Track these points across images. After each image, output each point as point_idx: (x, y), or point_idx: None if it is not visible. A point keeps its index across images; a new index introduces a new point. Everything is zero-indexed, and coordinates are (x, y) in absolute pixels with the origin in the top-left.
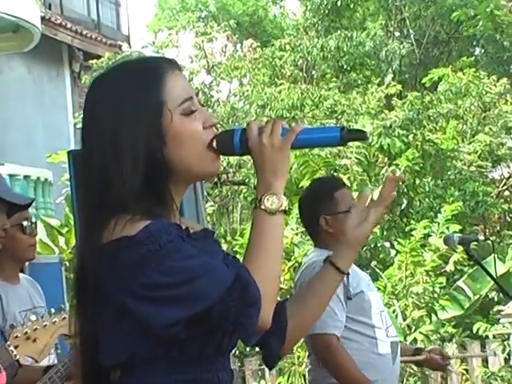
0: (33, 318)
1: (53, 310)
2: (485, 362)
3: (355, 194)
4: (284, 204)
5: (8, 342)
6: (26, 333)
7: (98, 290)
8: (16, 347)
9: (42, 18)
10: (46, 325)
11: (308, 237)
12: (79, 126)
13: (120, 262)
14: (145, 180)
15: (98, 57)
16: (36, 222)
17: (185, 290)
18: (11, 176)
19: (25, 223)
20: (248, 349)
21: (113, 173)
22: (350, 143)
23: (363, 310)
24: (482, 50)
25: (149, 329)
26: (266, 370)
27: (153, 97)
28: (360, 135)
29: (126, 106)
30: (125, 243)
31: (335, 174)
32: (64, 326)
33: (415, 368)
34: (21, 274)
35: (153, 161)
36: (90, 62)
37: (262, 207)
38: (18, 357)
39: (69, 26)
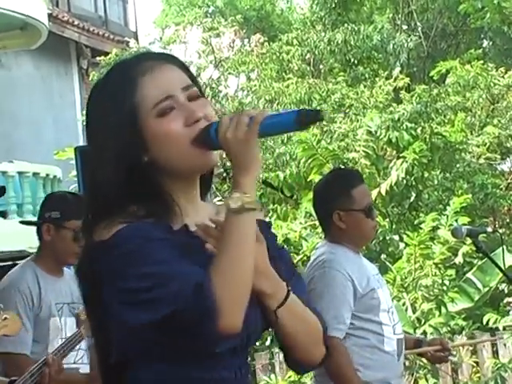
0: None
1: None
2: (495, 353)
3: None
4: (248, 201)
5: None
6: None
7: (91, 291)
8: None
9: (50, 15)
10: None
11: (316, 230)
12: None
13: (97, 266)
14: (132, 182)
15: (106, 53)
16: None
17: (148, 295)
18: (20, 173)
19: (78, 231)
20: (258, 343)
21: (99, 176)
22: (358, 136)
23: (371, 307)
24: (490, 42)
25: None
26: (277, 364)
27: (127, 103)
28: (316, 117)
29: (107, 112)
30: (100, 247)
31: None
32: (6, 326)
33: (425, 360)
34: (67, 270)
35: (137, 165)
36: (98, 58)
37: (227, 207)
38: None
39: (76, 22)
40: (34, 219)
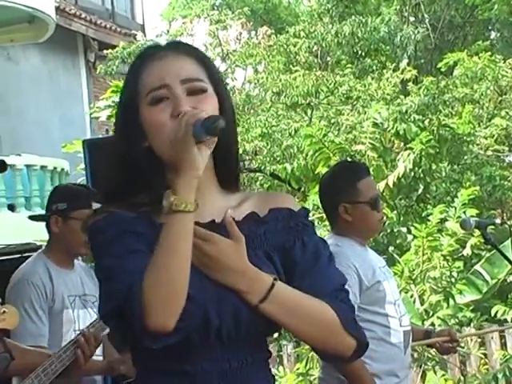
0: None
1: None
2: (504, 345)
3: None
4: (175, 202)
5: None
6: None
7: None
8: None
9: (57, 9)
10: None
11: (324, 222)
12: (95, 115)
13: None
14: (133, 170)
15: (113, 46)
16: None
17: (103, 288)
18: (28, 166)
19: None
20: None
21: (109, 162)
22: (364, 129)
23: (377, 300)
24: (498, 34)
25: None
26: (284, 356)
27: (131, 88)
28: (215, 126)
29: (120, 98)
30: (87, 233)
31: (349, 159)
32: (3, 320)
33: (433, 352)
34: (78, 262)
35: (138, 152)
36: (105, 51)
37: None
38: None
39: (83, 15)
40: (42, 212)
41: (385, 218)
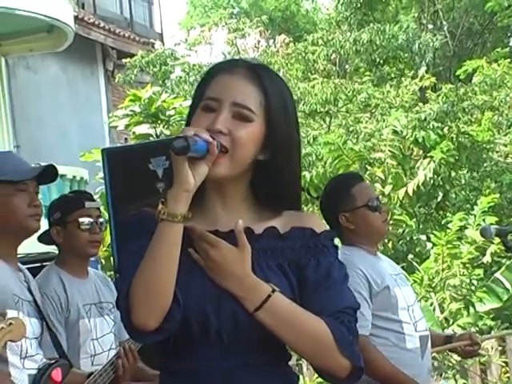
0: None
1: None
2: None
3: (389, 188)
4: (162, 211)
5: None
6: None
7: None
8: None
9: (76, 18)
10: None
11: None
12: (113, 124)
13: None
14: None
15: (132, 55)
16: (103, 221)
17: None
18: None
19: (82, 219)
20: None
21: None
22: (383, 136)
23: (388, 305)
24: None
25: None
26: (304, 365)
27: (199, 91)
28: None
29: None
30: None
31: (369, 167)
32: (10, 332)
33: (454, 361)
34: (93, 270)
35: None
36: (124, 60)
37: None
38: None
39: (102, 24)
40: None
41: (404, 225)
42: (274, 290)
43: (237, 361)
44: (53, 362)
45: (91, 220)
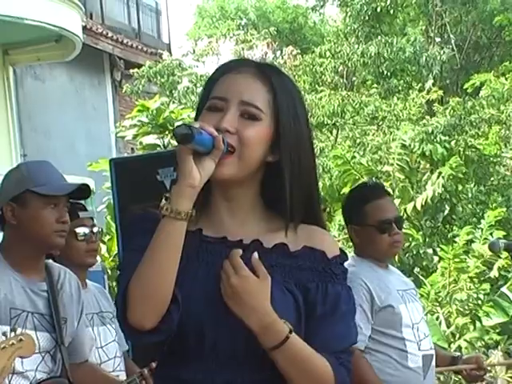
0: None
1: (7, 331)
2: None
3: (397, 201)
4: (165, 207)
5: None
6: None
7: None
8: None
9: (84, 28)
10: (4, 347)
11: (348, 243)
12: (120, 134)
13: None
14: None
15: (139, 65)
16: (98, 230)
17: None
18: None
19: (78, 230)
20: None
21: None
22: (392, 150)
23: (391, 323)
24: None
25: None
26: None
27: (206, 90)
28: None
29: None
30: None
31: (371, 181)
32: (20, 348)
33: (459, 376)
34: (91, 283)
35: None
36: (131, 70)
37: None
38: None
39: (110, 34)
40: None
41: (410, 239)
42: (291, 331)
43: (233, 376)
44: (46, 378)
45: (87, 230)
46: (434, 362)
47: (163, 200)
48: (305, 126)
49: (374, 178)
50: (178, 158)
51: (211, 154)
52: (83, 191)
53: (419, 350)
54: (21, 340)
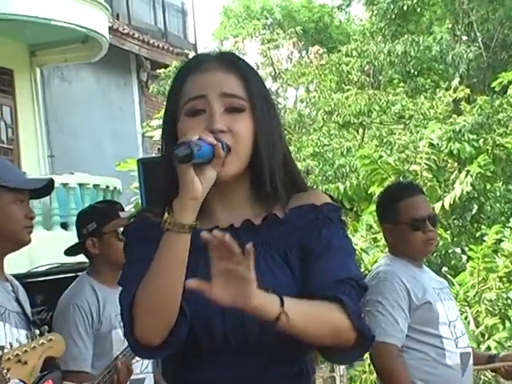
0: (22, 339)
1: (37, 332)
2: None
3: None
4: (167, 221)
5: (2, 365)
6: (18, 355)
7: None
8: (8, 370)
9: (110, 28)
10: (34, 347)
11: (377, 242)
12: (147, 134)
13: None
14: (172, 178)
15: (166, 66)
16: None
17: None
18: (81, 185)
19: (120, 230)
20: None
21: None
22: (420, 149)
23: (429, 320)
24: None
25: None
26: (337, 377)
27: (173, 98)
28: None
29: (165, 107)
30: None
31: (404, 180)
32: (51, 348)
33: (489, 376)
34: None
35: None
36: (158, 71)
37: None
38: (11, 380)
39: (136, 35)
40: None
41: (438, 238)
42: (281, 297)
43: (248, 370)
44: (45, 373)
45: None
46: (471, 360)
47: (166, 214)
48: (272, 104)
49: (401, 178)
50: (178, 172)
51: (212, 163)
52: (47, 188)
53: (457, 347)
54: (50, 340)
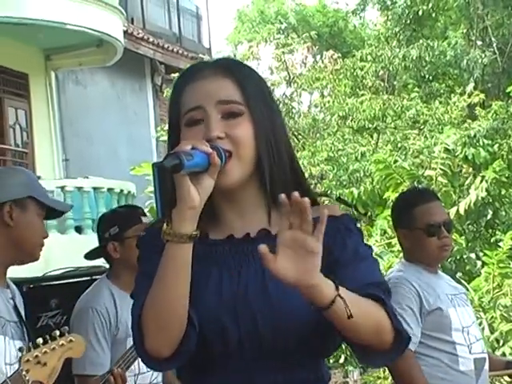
0: (40, 340)
1: (57, 333)
2: None
3: None
4: (166, 232)
5: (21, 367)
6: (37, 356)
7: None
8: (27, 371)
9: (125, 32)
10: (54, 348)
11: (392, 248)
12: (162, 138)
13: None
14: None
15: (180, 70)
16: None
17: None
18: (95, 189)
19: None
20: (332, 361)
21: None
22: (435, 154)
23: (441, 326)
24: None
25: None
26: (351, 382)
27: (173, 109)
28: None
29: (168, 116)
30: None
31: (419, 185)
32: (70, 349)
33: (507, 381)
34: None
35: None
36: (172, 75)
37: None
38: (30, 382)
39: (151, 39)
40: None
41: (453, 243)
42: (335, 283)
43: (263, 376)
44: None
45: None
46: (486, 366)
47: (164, 225)
48: (272, 105)
49: (416, 183)
50: (176, 181)
51: (208, 171)
52: (59, 213)
53: (470, 353)
54: (71, 341)
